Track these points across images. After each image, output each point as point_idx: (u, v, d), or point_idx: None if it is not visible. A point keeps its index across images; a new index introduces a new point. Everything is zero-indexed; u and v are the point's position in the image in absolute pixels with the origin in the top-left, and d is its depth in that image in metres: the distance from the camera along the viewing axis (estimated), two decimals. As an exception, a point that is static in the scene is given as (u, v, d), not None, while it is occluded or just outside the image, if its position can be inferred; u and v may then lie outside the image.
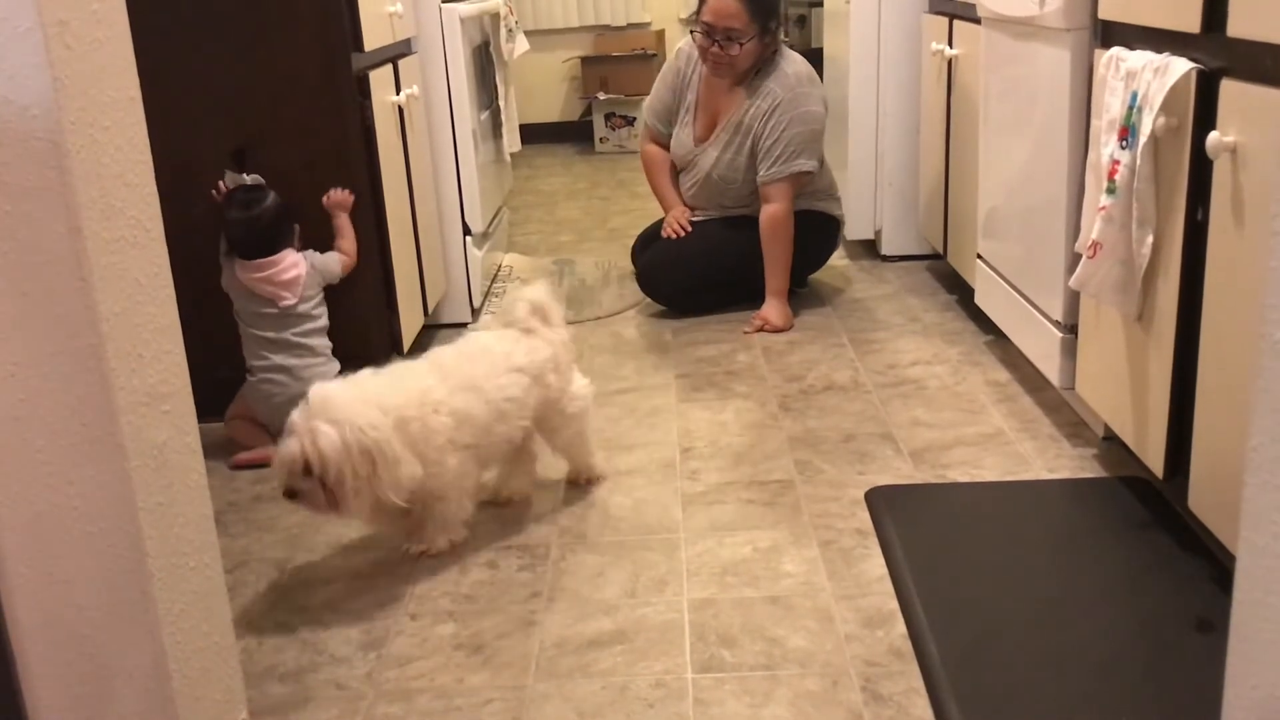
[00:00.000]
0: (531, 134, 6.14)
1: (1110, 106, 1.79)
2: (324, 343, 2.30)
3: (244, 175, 2.28)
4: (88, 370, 0.87)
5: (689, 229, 3.11)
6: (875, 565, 1.81)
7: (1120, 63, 1.77)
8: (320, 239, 2.32)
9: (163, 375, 0.97)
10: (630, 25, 6.09)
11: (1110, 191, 1.75)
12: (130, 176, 0.93)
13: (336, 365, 2.28)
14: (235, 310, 2.26)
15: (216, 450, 2.33)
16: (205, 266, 2.25)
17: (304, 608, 1.79)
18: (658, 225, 3.22)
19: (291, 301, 2.21)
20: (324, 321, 2.29)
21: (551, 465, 2.22)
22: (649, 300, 3.19)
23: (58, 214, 0.83)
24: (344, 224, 2.33)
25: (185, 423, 1.04)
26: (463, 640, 1.67)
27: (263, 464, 2.28)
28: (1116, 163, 1.73)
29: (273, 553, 1.96)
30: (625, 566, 1.84)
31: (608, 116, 5.85)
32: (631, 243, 3.41)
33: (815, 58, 4.12)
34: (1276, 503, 0.91)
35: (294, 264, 2.24)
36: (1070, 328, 2.12)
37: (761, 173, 2.93)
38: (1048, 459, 2.13)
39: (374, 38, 2.44)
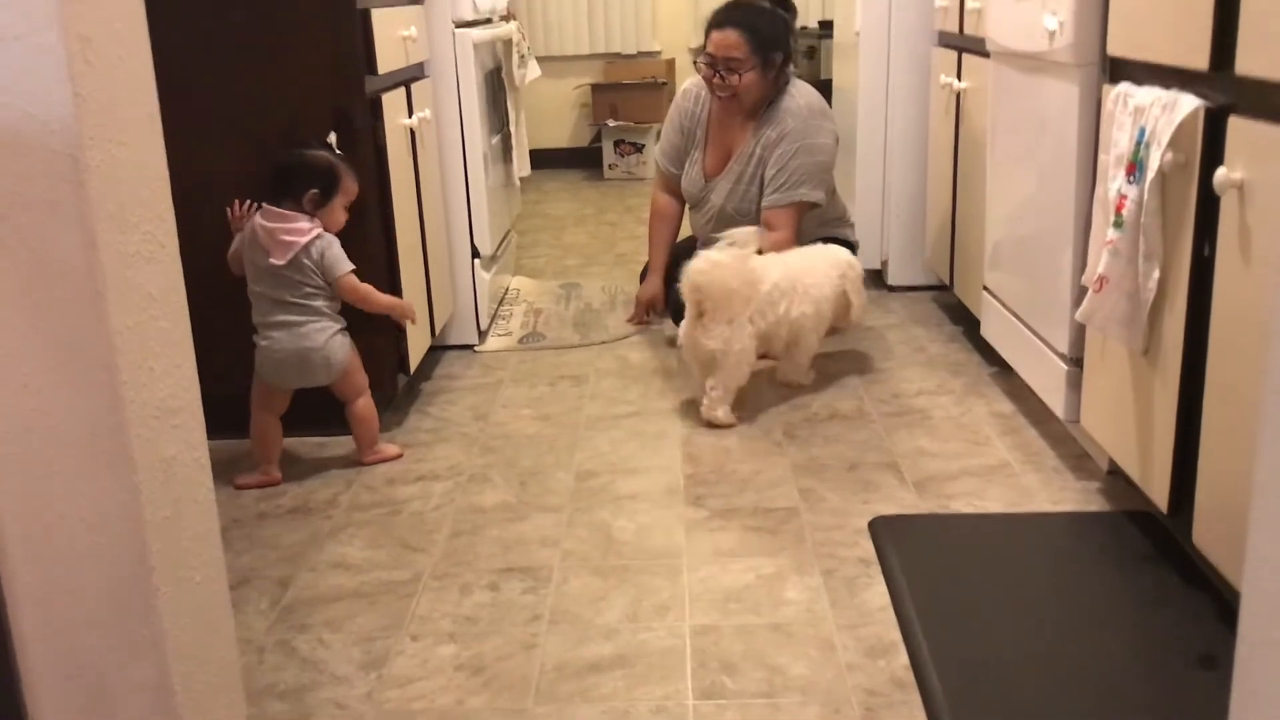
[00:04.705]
0: (541, 159, 6.17)
1: (1118, 141, 1.80)
2: (327, 305, 2.25)
3: (332, 135, 2.30)
4: (99, 383, 0.87)
5: (649, 320, 3.24)
6: (878, 595, 1.80)
7: (1128, 98, 1.78)
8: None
9: (173, 389, 0.98)
10: (641, 53, 6.13)
11: (1117, 226, 1.76)
12: (146, 192, 0.94)
13: (337, 325, 2.26)
14: (245, 267, 2.25)
15: (223, 466, 2.34)
16: (216, 282, 2.26)
17: (305, 626, 1.79)
18: (689, 243, 3.24)
19: (278, 262, 2.18)
20: (328, 291, 2.25)
21: (559, 486, 2.23)
22: (651, 324, 3.21)
23: (74, 228, 0.84)
24: (390, 302, 2.36)
25: (194, 437, 1.04)
26: (463, 662, 1.67)
27: (268, 486, 2.29)
28: (1124, 197, 1.74)
29: (276, 570, 1.96)
30: (627, 591, 1.84)
31: (617, 143, 5.87)
32: (640, 268, 3.42)
33: (824, 89, 4.15)
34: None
35: (300, 231, 2.19)
36: (1075, 360, 2.12)
37: (765, 200, 2.95)
38: (1052, 491, 2.13)
39: (387, 61, 2.46)
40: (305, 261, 2.20)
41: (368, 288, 2.29)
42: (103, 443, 0.89)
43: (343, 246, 2.26)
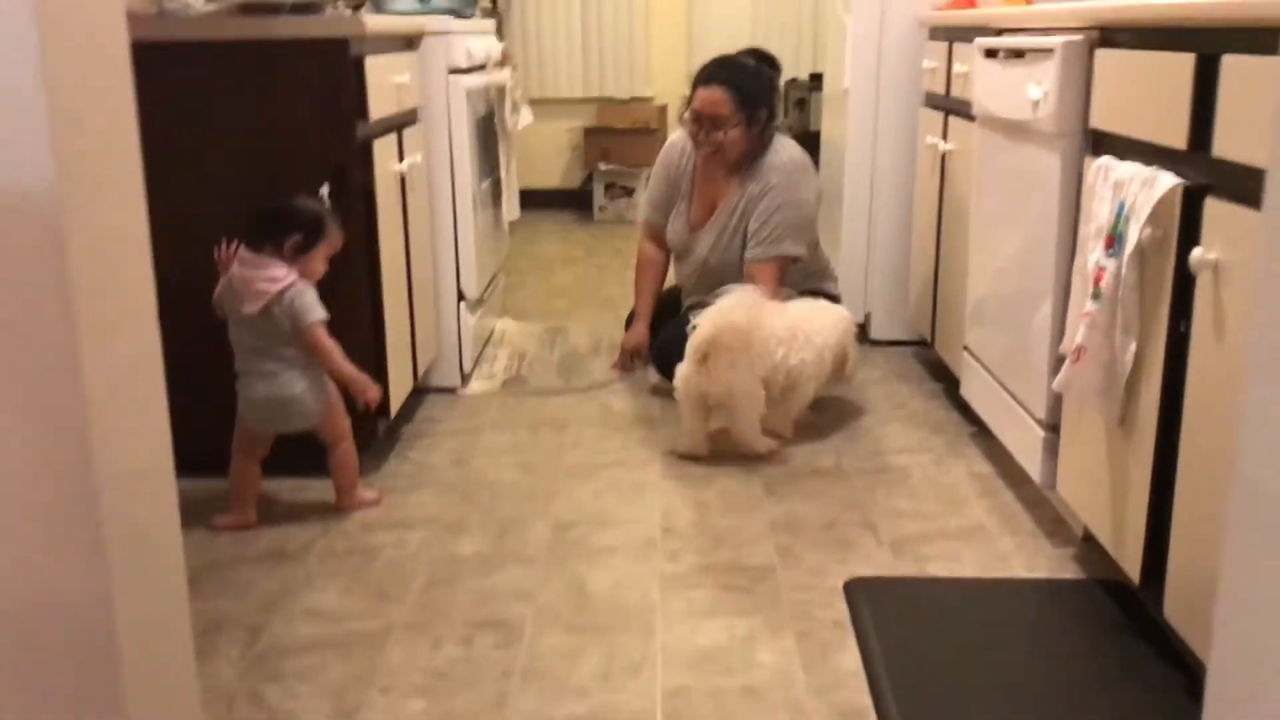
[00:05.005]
0: (531, 200, 6.19)
1: (1098, 214, 1.82)
2: (302, 355, 2.21)
3: (325, 186, 2.29)
4: (71, 449, 0.87)
5: (633, 367, 3.24)
6: (851, 658, 1.80)
7: (1109, 172, 1.80)
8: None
9: (148, 455, 0.98)
10: (634, 99, 6.18)
11: (1095, 298, 1.78)
12: (126, 259, 0.95)
13: (313, 372, 2.23)
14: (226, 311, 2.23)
15: (204, 506, 2.33)
16: (205, 321, 2.25)
17: (275, 676, 1.77)
18: (675, 292, 3.26)
19: (250, 310, 2.17)
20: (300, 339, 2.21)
21: (536, 537, 2.22)
22: (635, 372, 3.22)
23: (52, 297, 0.84)
24: (352, 373, 2.26)
25: (165, 501, 1.04)
26: (433, 718, 1.66)
27: (242, 529, 2.27)
28: (1102, 270, 1.76)
29: (248, 618, 1.95)
30: (600, 648, 1.84)
31: (608, 186, 5.91)
32: (626, 314, 3.43)
33: (814, 140, 4.20)
34: (1248, 631, 0.92)
35: (274, 279, 2.16)
36: (1053, 426, 2.14)
37: (747, 253, 2.97)
38: (1027, 556, 2.14)
39: (380, 107, 2.48)
40: (276, 310, 2.17)
41: (332, 345, 2.22)
42: (73, 508, 0.89)
43: (328, 288, 2.25)
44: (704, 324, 2.54)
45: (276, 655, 1.83)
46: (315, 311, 2.20)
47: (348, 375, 2.26)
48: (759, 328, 2.58)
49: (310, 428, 2.28)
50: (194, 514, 2.31)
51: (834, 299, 3.21)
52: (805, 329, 2.68)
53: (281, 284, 2.17)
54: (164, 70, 2.31)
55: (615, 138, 5.90)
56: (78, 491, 0.87)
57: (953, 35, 2.91)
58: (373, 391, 2.29)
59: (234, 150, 2.35)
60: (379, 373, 2.51)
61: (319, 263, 2.24)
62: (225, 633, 1.90)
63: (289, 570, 2.12)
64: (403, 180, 2.67)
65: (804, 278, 3.09)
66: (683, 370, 2.59)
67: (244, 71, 2.32)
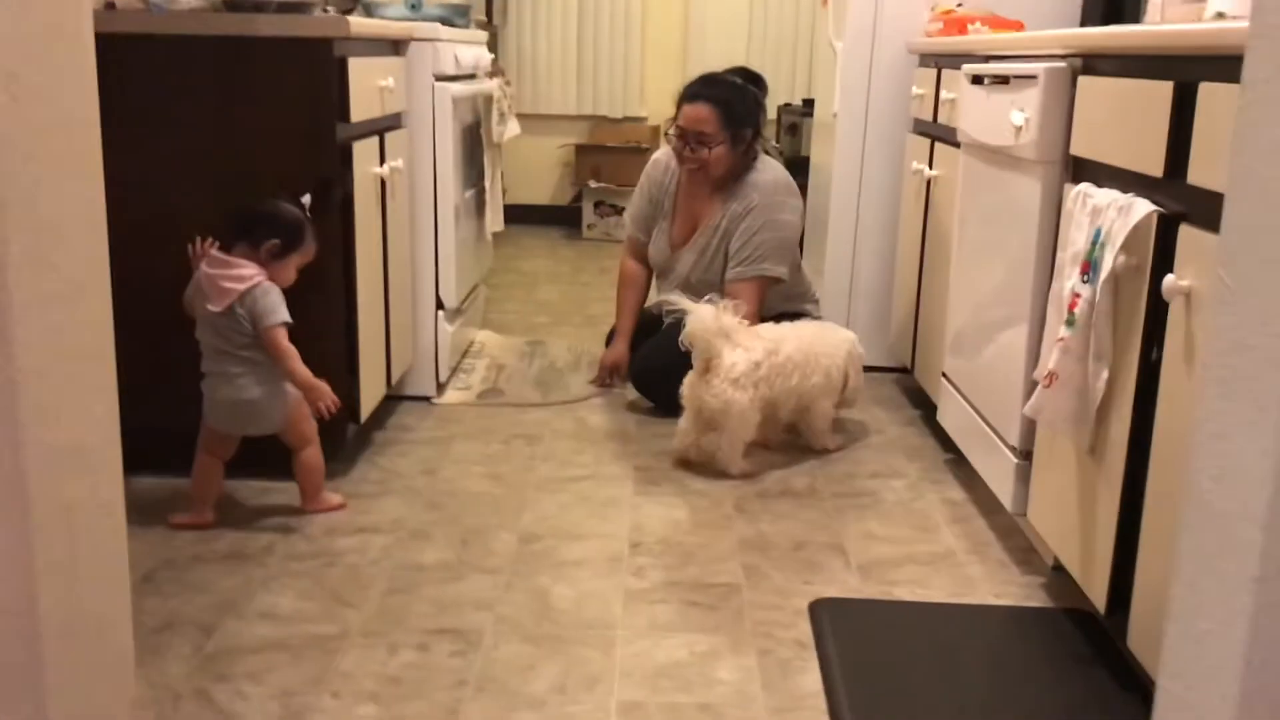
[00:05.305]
0: (520, 215, 6.19)
1: (1075, 240, 1.81)
2: (265, 356, 2.18)
3: (307, 195, 2.26)
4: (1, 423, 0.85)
5: (612, 383, 3.21)
6: (811, 679, 1.78)
7: (1087, 198, 1.79)
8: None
9: (85, 433, 0.95)
10: (627, 118, 6.19)
11: (1070, 324, 1.77)
12: (72, 233, 0.92)
13: (276, 376, 2.20)
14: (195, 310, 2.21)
15: (167, 504, 2.30)
16: (176, 319, 2.23)
17: (225, 676, 1.74)
18: (656, 309, 3.24)
19: (215, 309, 2.15)
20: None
21: (501, 548, 2.20)
22: (613, 388, 3.20)
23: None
24: (310, 382, 2.21)
25: (103, 481, 1.01)
26: (382, 724, 1.63)
27: (199, 528, 2.24)
28: (1077, 296, 1.75)
29: (203, 616, 1.92)
30: (558, 661, 1.81)
31: (597, 204, 5.91)
32: (608, 330, 3.41)
33: (806, 165, 4.19)
34: (1194, 654, 0.90)
35: (241, 279, 2.14)
36: (1026, 454, 2.12)
37: (728, 272, 2.96)
38: (995, 584, 2.12)
39: (362, 109, 2.46)
40: (239, 310, 2.15)
41: (290, 350, 2.18)
42: None
43: (301, 286, 2.23)
44: (691, 322, 2.58)
45: (228, 655, 1.80)
46: (278, 313, 2.17)
47: (303, 381, 2.21)
48: (775, 352, 2.63)
49: (273, 431, 2.25)
50: (159, 511, 2.28)
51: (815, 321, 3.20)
52: (816, 350, 2.71)
53: (248, 283, 2.15)
54: (148, 64, 2.30)
55: (607, 156, 5.90)
56: (3, 465, 0.85)
57: (941, 62, 2.91)
58: (328, 399, 2.24)
59: (214, 146, 2.33)
60: (350, 376, 2.49)
61: (291, 270, 2.22)
62: (178, 630, 1.87)
63: (248, 571, 2.08)
64: (383, 184, 2.65)
65: (784, 299, 3.08)
66: (688, 377, 2.64)
67: (226, 68, 2.31)
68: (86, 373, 0.96)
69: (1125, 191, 1.69)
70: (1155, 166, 1.60)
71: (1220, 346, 0.86)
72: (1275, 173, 0.77)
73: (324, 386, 2.23)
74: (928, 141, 2.99)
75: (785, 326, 2.77)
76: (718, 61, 5.81)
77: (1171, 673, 0.93)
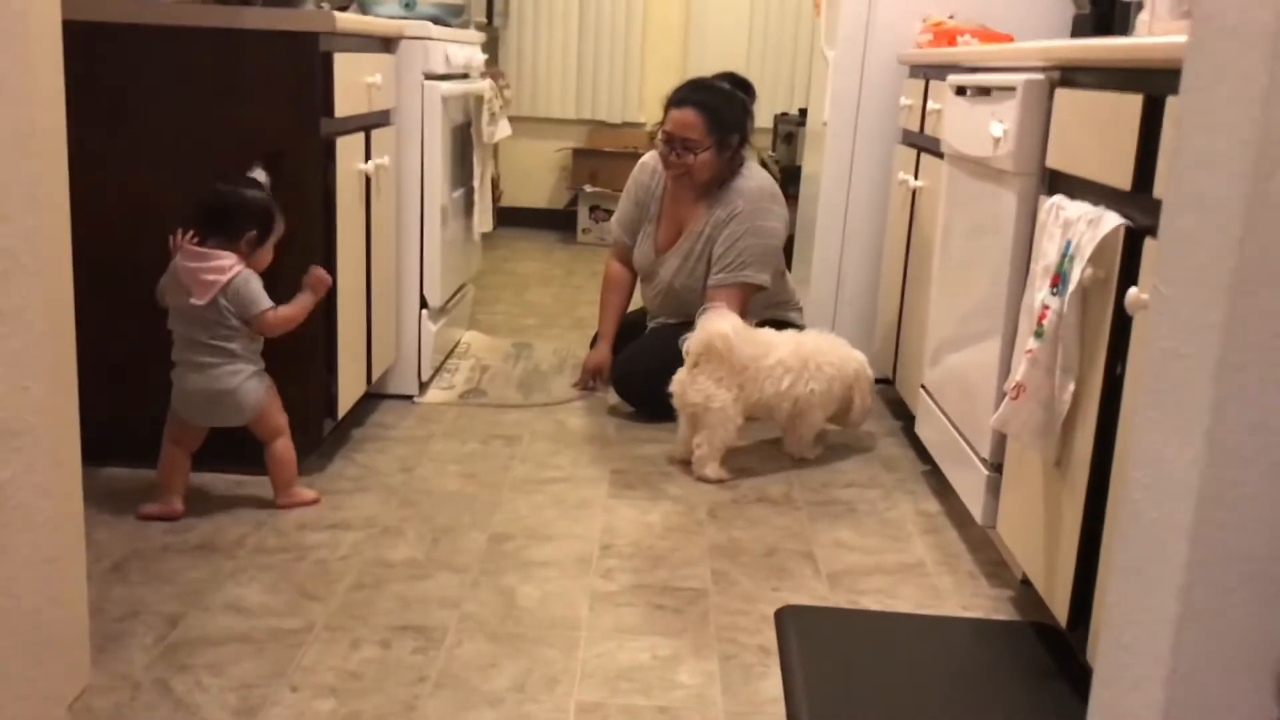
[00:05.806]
0: (516, 217, 6.20)
1: (1047, 252, 1.81)
2: (243, 347, 2.20)
3: (260, 170, 2.27)
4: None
5: (595, 386, 3.21)
6: (772, 685, 1.77)
7: (1060, 211, 1.80)
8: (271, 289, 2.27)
9: (16, 412, 0.95)
10: (625, 123, 6.19)
11: (1038, 335, 1.77)
12: (7, 208, 0.92)
13: (252, 367, 2.22)
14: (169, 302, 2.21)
15: (138, 495, 2.30)
16: (147, 311, 2.23)
17: (186, 667, 1.74)
18: (641, 313, 3.25)
19: (199, 303, 2.15)
20: (244, 331, 2.20)
21: (471, 546, 2.19)
22: (596, 391, 3.20)
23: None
24: (305, 299, 2.26)
25: (36, 462, 1.01)
26: (340, 718, 1.62)
27: (168, 518, 2.24)
28: (1046, 308, 1.75)
29: (167, 606, 1.92)
30: (520, 660, 1.81)
31: (592, 208, 5.91)
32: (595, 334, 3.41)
33: (798, 174, 4.20)
34: (1123, 662, 0.90)
35: (220, 269, 2.15)
36: (997, 466, 2.12)
37: (711, 278, 2.96)
38: (963, 596, 2.11)
39: (347, 105, 2.47)
40: (222, 301, 2.16)
41: (285, 312, 2.22)
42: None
43: (283, 282, 2.24)
44: (698, 330, 2.60)
45: (189, 646, 1.80)
46: (263, 300, 2.20)
47: (307, 304, 2.27)
48: (764, 355, 2.64)
49: (243, 423, 2.25)
50: (132, 501, 2.28)
51: (798, 330, 3.20)
52: (817, 359, 2.71)
53: (228, 274, 2.15)
54: (134, 52, 2.31)
55: (604, 161, 5.90)
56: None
57: (930, 73, 2.92)
58: (324, 277, 2.31)
59: (196, 136, 2.34)
60: (328, 372, 2.49)
61: (269, 253, 2.24)
62: (141, 620, 1.87)
63: (216, 563, 2.08)
64: (368, 180, 2.65)
65: (766, 307, 3.08)
66: (678, 374, 2.65)
67: (212, 58, 2.31)
68: (21, 351, 0.96)
69: (1096, 204, 1.69)
70: (1124, 180, 1.60)
71: (1154, 355, 0.86)
72: (1206, 181, 0.77)
73: (317, 274, 2.29)
74: (914, 152, 2.99)
75: (789, 334, 2.78)
76: (717, 67, 5.82)
77: (1102, 680, 0.93)
